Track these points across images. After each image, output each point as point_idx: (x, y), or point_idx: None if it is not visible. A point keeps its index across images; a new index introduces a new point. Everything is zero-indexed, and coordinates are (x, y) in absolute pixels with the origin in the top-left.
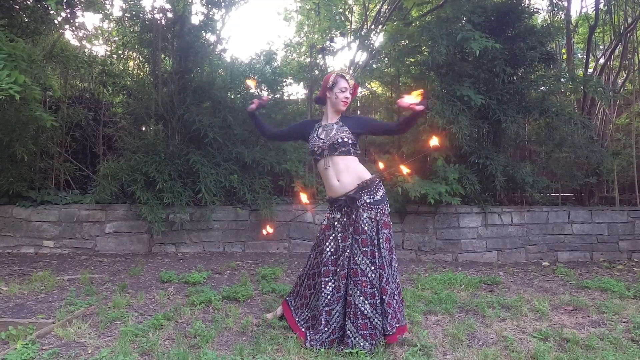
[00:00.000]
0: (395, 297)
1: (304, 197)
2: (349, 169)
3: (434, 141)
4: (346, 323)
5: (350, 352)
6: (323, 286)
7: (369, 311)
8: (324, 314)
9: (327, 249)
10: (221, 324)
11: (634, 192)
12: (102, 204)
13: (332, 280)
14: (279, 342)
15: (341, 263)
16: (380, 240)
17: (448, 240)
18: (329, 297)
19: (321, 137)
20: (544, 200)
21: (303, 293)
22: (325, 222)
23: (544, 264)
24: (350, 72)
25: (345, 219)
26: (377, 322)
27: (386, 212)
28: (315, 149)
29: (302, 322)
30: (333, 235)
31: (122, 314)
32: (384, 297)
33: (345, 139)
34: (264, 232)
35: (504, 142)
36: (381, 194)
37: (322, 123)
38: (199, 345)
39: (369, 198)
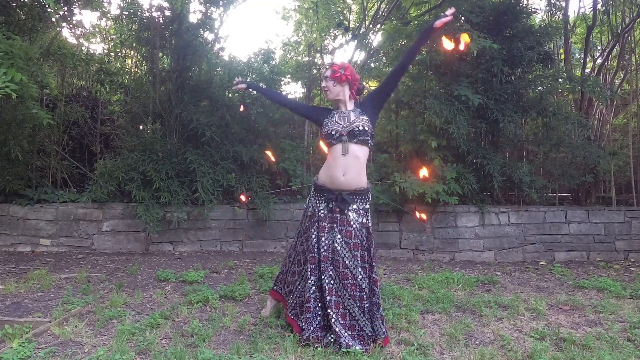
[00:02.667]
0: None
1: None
2: (358, 168)
3: (424, 172)
4: (335, 322)
5: (348, 352)
6: (309, 274)
7: (358, 314)
8: (311, 300)
9: (313, 236)
10: (218, 323)
11: (630, 192)
12: (99, 203)
13: (317, 268)
14: (276, 341)
15: (324, 253)
16: (370, 246)
17: (445, 240)
18: (316, 284)
19: (339, 122)
20: (541, 200)
21: (289, 280)
22: (310, 210)
23: (540, 263)
24: (332, 60)
25: (327, 212)
26: (364, 325)
27: (370, 219)
28: (333, 132)
29: (290, 309)
30: (317, 223)
31: (119, 313)
32: (378, 301)
33: (366, 128)
34: (242, 198)
35: (502, 142)
36: (369, 201)
37: (338, 110)
38: (196, 344)
39: (362, 205)
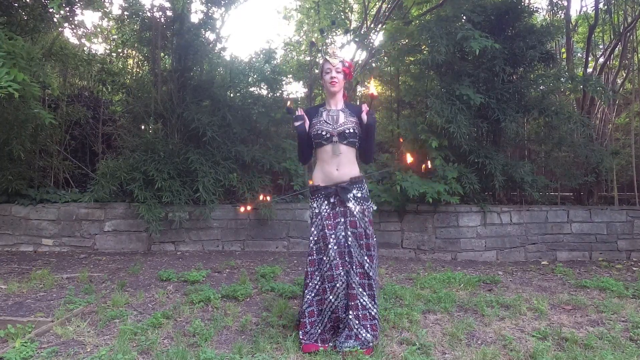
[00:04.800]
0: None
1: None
2: (350, 162)
3: (409, 159)
4: (349, 315)
5: (350, 352)
6: (310, 277)
7: (367, 302)
8: (314, 304)
9: (315, 237)
10: (220, 323)
11: (633, 191)
12: (101, 203)
13: (318, 270)
14: (278, 341)
15: (336, 248)
16: (369, 232)
17: (447, 239)
18: (317, 286)
19: (328, 122)
20: (543, 199)
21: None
22: (313, 213)
23: (543, 263)
24: (337, 50)
25: (329, 208)
26: (375, 313)
27: (371, 210)
28: (323, 133)
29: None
30: (321, 222)
31: (121, 313)
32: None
33: (355, 131)
34: (243, 209)
35: (503, 142)
36: (366, 190)
37: (326, 108)
38: (198, 343)
39: (359, 192)
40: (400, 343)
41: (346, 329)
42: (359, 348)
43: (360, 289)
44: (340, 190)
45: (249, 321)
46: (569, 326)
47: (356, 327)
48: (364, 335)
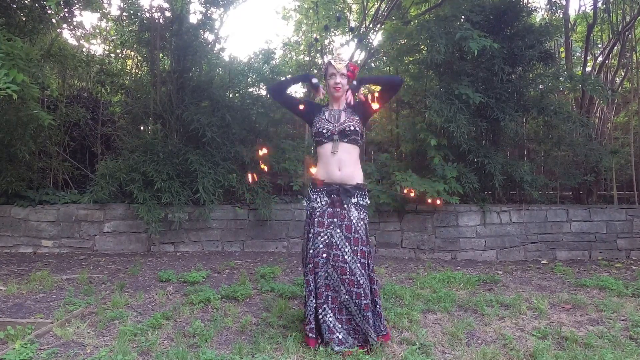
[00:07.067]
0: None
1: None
2: (353, 163)
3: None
4: (330, 317)
5: (350, 351)
6: (308, 273)
7: (354, 310)
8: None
9: (310, 233)
10: (220, 323)
11: (632, 190)
12: (100, 204)
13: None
14: (278, 341)
15: (322, 247)
16: (368, 242)
17: (447, 239)
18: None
19: (330, 120)
20: (543, 198)
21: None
22: (310, 208)
23: (542, 262)
24: (340, 54)
25: (326, 206)
26: (359, 321)
27: (367, 217)
28: (324, 131)
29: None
30: (316, 219)
31: (121, 314)
32: (376, 299)
33: (357, 128)
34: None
35: (503, 141)
36: (367, 198)
37: (328, 108)
38: (198, 344)
39: (362, 200)
40: (400, 343)
41: (327, 332)
42: (345, 349)
43: (347, 296)
44: (342, 192)
45: (249, 322)
46: (568, 325)
47: (339, 330)
48: (345, 339)
